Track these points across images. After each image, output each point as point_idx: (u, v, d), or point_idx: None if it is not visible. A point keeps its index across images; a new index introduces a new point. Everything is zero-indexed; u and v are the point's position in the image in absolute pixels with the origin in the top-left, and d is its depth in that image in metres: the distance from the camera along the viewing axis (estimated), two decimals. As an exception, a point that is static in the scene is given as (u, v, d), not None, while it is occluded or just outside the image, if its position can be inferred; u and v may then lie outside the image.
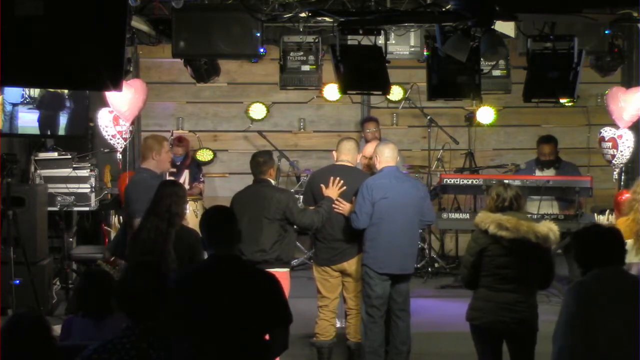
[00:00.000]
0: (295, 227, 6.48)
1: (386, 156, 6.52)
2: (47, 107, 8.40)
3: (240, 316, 4.02)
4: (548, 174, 8.94)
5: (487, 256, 5.35)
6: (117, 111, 8.65)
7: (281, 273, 6.30)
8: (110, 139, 8.85)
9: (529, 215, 8.10)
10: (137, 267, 3.73)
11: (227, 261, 4.16)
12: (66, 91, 8.49)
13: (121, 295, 3.50)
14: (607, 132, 9.06)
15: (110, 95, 8.32)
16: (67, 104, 8.70)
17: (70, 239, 8.89)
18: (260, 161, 6.47)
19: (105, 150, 9.18)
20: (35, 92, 8.18)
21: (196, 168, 9.96)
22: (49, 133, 8.72)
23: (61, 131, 8.70)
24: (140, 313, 3.42)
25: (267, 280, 4.24)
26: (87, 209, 8.86)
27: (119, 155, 8.98)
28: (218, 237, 4.18)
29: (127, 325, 3.41)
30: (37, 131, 8.45)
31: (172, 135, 10.03)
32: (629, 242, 5.36)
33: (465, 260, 5.52)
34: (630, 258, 5.29)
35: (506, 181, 7.95)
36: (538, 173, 8.99)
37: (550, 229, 5.34)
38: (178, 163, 9.68)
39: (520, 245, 5.27)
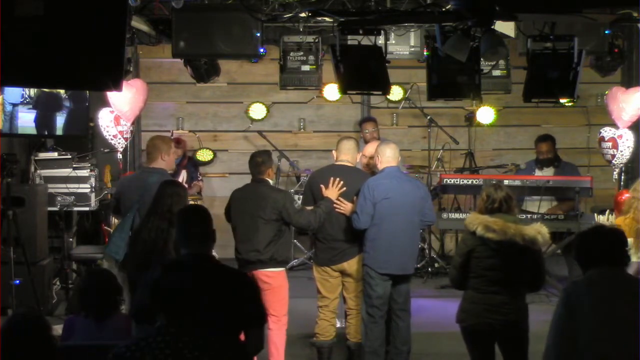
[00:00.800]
0: (292, 227, 6.48)
1: (387, 156, 6.51)
2: (43, 107, 8.39)
3: (214, 316, 4.00)
4: (547, 172, 8.95)
5: (475, 257, 5.33)
6: (118, 111, 8.66)
7: (276, 272, 6.34)
8: (111, 139, 8.86)
9: (529, 216, 8.20)
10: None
11: (202, 260, 4.16)
12: (62, 91, 8.49)
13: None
14: (607, 132, 9.06)
15: (112, 95, 8.33)
16: (66, 104, 8.70)
17: (70, 239, 8.88)
18: (258, 161, 6.46)
19: (106, 150, 9.18)
20: (33, 92, 8.18)
21: (193, 167, 9.96)
22: (46, 133, 8.72)
23: (58, 131, 8.69)
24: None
25: (241, 280, 4.23)
26: (87, 209, 8.85)
27: (120, 155, 8.99)
28: (193, 236, 4.17)
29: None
30: (34, 131, 8.44)
31: (171, 135, 10.05)
32: (629, 241, 5.34)
33: (454, 261, 5.51)
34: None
35: (506, 181, 8.03)
36: (537, 172, 9.00)
37: (538, 231, 5.28)
38: (175, 164, 9.68)
39: (507, 248, 5.23)
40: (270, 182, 6.58)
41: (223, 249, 9.72)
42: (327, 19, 7.12)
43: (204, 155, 10.83)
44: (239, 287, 4.18)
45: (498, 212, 5.35)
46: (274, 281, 6.30)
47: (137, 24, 7.86)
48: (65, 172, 8.70)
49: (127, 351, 3.33)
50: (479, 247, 5.31)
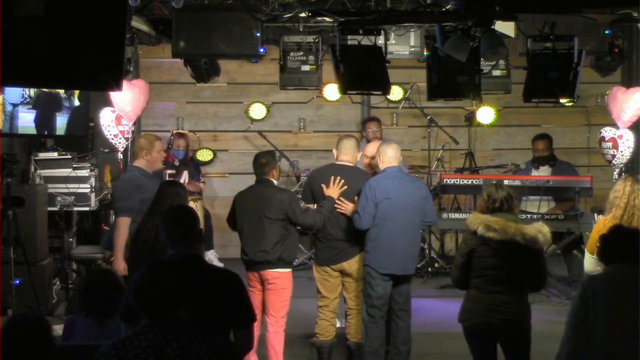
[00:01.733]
0: (297, 227, 6.48)
1: (389, 156, 6.50)
2: (43, 107, 8.40)
3: (201, 316, 4.00)
4: (543, 171, 8.98)
5: (477, 257, 5.32)
6: (121, 111, 8.67)
7: (283, 273, 6.33)
8: (112, 139, 8.86)
9: (529, 216, 8.20)
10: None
11: (189, 261, 4.15)
12: (62, 91, 8.49)
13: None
14: (607, 132, 9.06)
15: (114, 95, 8.33)
16: (65, 103, 8.71)
17: (70, 239, 8.88)
18: (263, 162, 6.46)
19: (106, 150, 9.19)
20: (33, 92, 8.18)
21: (195, 169, 9.96)
22: (46, 133, 8.72)
23: (59, 131, 8.70)
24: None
25: (230, 279, 4.23)
26: (87, 209, 8.85)
27: (120, 155, 8.99)
28: (178, 236, 4.17)
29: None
30: (34, 131, 8.45)
31: (172, 135, 10.06)
32: None
33: (456, 261, 5.51)
34: None
35: (506, 181, 8.03)
36: (534, 171, 9.03)
37: (539, 230, 5.27)
38: (177, 162, 9.70)
39: (508, 247, 5.23)
40: (275, 182, 6.58)
41: (223, 248, 9.80)
42: (327, 19, 7.12)
43: (204, 155, 10.83)
44: (228, 287, 4.18)
45: (499, 211, 5.36)
46: (279, 282, 6.29)
47: (137, 24, 7.86)
48: (65, 172, 8.69)
49: (113, 349, 3.36)
50: (480, 247, 5.31)
